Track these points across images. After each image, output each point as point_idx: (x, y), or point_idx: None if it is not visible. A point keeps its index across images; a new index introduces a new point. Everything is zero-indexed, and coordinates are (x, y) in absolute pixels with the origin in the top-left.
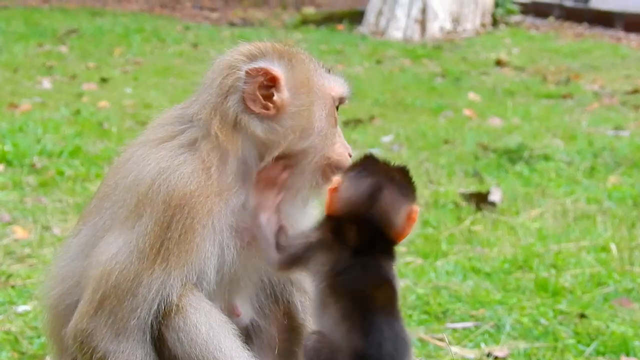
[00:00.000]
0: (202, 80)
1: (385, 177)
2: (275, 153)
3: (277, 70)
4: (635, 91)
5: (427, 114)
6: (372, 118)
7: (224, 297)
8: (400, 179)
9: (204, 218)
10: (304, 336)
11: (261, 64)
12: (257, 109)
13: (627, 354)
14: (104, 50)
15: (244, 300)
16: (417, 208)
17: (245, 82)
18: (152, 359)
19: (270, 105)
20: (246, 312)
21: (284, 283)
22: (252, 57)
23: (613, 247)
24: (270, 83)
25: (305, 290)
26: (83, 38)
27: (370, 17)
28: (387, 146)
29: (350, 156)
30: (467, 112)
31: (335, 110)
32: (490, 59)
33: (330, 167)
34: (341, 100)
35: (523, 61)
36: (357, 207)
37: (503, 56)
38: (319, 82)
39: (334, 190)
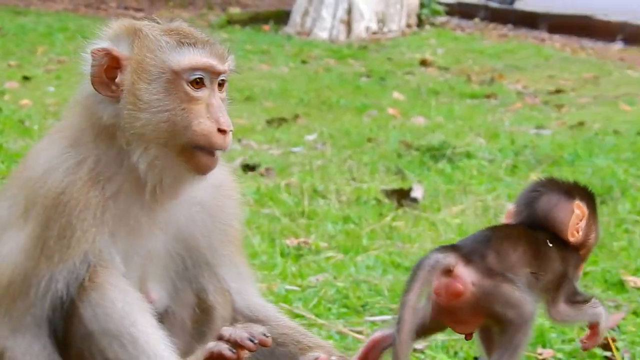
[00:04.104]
0: None
1: (546, 185)
2: (129, 138)
3: (122, 52)
4: (557, 91)
5: (352, 113)
6: (296, 117)
7: (136, 282)
8: (563, 185)
9: (83, 212)
10: (214, 318)
11: (107, 44)
12: (102, 91)
13: (544, 346)
14: (26, 49)
15: (158, 285)
16: (579, 204)
17: (91, 65)
18: (49, 351)
19: (115, 87)
20: (160, 298)
21: (198, 266)
22: (105, 37)
23: None
24: (114, 64)
25: (217, 273)
26: (5, 37)
27: (296, 17)
28: (310, 144)
29: (222, 131)
30: (391, 111)
31: (187, 84)
32: (415, 59)
33: (193, 145)
34: (196, 75)
35: (448, 61)
36: (520, 215)
37: (428, 56)
38: (157, 55)
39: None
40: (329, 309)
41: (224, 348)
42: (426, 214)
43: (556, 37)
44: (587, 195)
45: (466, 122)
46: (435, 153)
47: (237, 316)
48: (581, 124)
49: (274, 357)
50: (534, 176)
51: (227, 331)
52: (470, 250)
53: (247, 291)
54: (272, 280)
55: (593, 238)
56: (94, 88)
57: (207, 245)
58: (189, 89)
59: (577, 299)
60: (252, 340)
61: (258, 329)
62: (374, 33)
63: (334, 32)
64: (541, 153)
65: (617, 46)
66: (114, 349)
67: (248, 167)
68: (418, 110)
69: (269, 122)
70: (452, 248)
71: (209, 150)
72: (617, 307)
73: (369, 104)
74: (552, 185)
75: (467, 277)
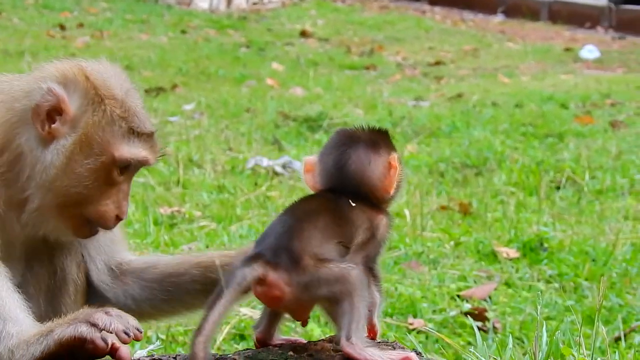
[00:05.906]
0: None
1: (349, 141)
2: (33, 179)
3: (72, 106)
4: (437, 63)
5: (230, 83)
6: (174, 87)
7: None
8: (366, 137)
9: None
10: (67, 281)
11: (62, 91)
12: (36, 124)
13: (415, 316)
14: None
15: (13, 258)
16: (393, 157)
17: (42, 96)
18: None
19: (47, 128)
20: (14, 270)
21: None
22: (62, 80)
23: (407, 212)
24: (59, 111)
25: (72, 243)
26: None
27: None
28: (188, 114)
29: (118, 218)
30: (269, 81)
31: (117, 170)
32: (295, 30)
33: (86, 217)
34: (128, 164)
35: (328, 32)
36: (331, 178)
37: (308, 27)
38: (105, 136)
39: (309, 170)
40: None
41: (97, 337)
42: (301, 183)
43: (437, 9)
44: (391, 143)
45: (345, 93)
46: (313, 124)
47: (113, 273)
48: (460, 95)
49: (180, 288)
50: (411, 147)
51: (102, 320)
52: (274, 252)
53: (122, 250)
54: (145, 248)
55: (400, 184)
56: (31, 116)
57: None
58: (116, 173)
59: (374, 270)
60: (127, 334)
61: (132, 322)
62: (254, 4)
63: (214, 3)
64: (419, 124)
65: (498, 19)
66: None
67: None
68: (297, 81)
69: (147, 92)
70: (256, 257)
71: (97, 227)
72: (489, 277)
73: (247, 74)
74: (357, 140)
75: (280, 282)
